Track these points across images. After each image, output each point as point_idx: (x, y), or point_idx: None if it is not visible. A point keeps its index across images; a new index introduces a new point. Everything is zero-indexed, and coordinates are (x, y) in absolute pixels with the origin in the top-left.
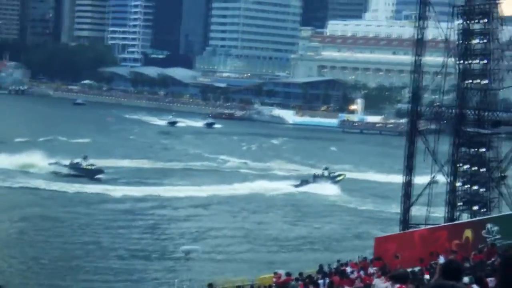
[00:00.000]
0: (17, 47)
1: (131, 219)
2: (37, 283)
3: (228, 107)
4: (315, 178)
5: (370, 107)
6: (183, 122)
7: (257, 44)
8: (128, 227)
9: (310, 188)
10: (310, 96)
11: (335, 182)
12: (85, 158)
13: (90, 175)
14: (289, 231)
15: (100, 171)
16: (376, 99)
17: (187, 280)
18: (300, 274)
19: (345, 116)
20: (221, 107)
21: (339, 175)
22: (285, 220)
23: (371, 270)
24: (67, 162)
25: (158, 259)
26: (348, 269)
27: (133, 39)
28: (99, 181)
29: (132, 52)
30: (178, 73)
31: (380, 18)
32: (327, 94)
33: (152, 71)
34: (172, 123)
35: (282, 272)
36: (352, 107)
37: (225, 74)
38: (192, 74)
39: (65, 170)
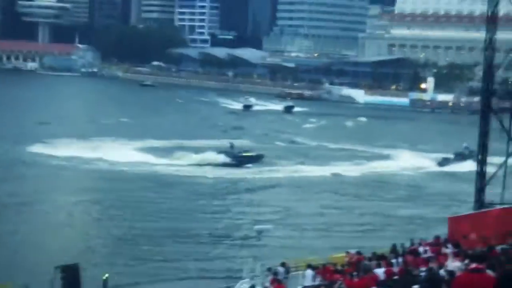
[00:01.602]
0: (86, 30)
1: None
2: (110, 262)
3: (296, 87)
4: (456, 156)
5: (441, 86)
6: (260, 105)
7: (325, 23)
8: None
9: (453, 167)
10: (379, 75)
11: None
12: (232, 146)
13: (246, 162)
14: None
15: (260, 156)
16: (447, 78)
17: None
18: (373, 253)
19: (416, 95)
20: (290, 87)
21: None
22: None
23: (445, 250)
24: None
25: (231, 240)
26: (421, 249)
27: (201, 20)
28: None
29: (201, 33)
30: (247, 53)
31: None
32: (396, 73)
33: (220, 52)
34: (248, 107)
35: (353, 251)
36: (423, 85)
37: (293, 54)
38: (261, 54)
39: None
